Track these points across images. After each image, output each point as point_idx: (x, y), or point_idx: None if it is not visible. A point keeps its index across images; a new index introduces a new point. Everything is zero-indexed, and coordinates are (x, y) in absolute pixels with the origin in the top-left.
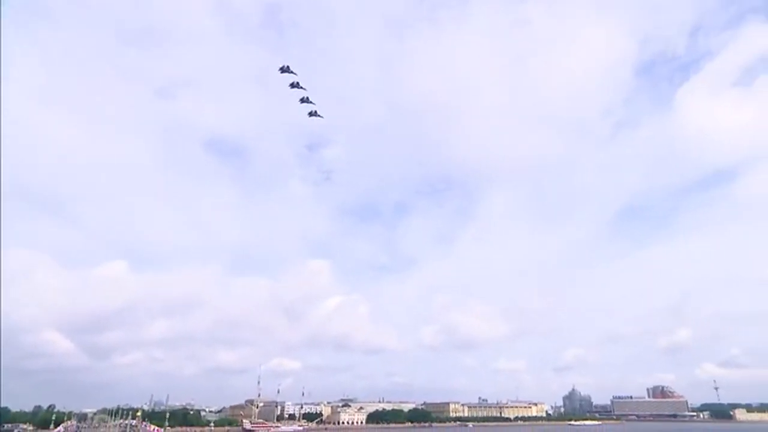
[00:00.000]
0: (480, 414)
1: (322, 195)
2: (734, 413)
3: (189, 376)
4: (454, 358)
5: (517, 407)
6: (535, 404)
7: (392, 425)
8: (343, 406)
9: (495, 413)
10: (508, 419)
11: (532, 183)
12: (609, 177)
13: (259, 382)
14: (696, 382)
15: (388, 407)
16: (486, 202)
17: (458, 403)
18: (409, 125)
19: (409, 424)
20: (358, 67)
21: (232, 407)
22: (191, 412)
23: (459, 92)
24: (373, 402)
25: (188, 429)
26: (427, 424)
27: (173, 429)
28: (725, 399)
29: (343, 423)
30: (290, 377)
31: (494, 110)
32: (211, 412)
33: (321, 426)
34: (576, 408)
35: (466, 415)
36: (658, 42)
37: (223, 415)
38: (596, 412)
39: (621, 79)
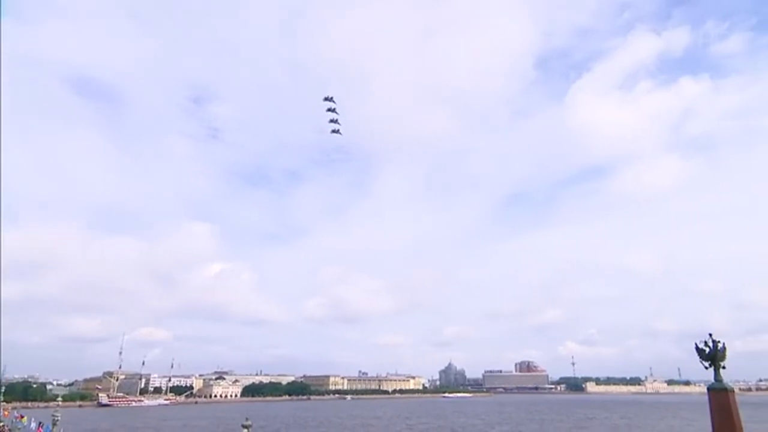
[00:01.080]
0: (359, 387)
1: (208, 154)
2: (586, 386)
3: (34, 346)
4: (338, 332)
5: (395, 380)
6: (413, 378)
7: (269, 398)
8: (216, 378)
9: (374, 386)
10: (386, 392)
11: (430, 163)
12: (501, 163)
13: (120, 353)
14: (558, 357)
15: (266, 380)
16: (382, 178)
17: (338, 376)
18: (310, 90)
19: (287, 397)
20: (258, 21)
21: (87, 380)
22: (34, 386)
23: (365, 61)
24: (250, 375)
25: (29, 404)
26: (305, 397)
27: (9, 404)
28: (580, 373)
29: (215, 396)
30: (159, 348)
31: (398, 85)
32: (60, 385)
33: (190, 400)
34: (451, 381)
35: (345, 387)
36: (559, 38)
37: (75, 388)
38: (469, 385)
39: (523, 70)
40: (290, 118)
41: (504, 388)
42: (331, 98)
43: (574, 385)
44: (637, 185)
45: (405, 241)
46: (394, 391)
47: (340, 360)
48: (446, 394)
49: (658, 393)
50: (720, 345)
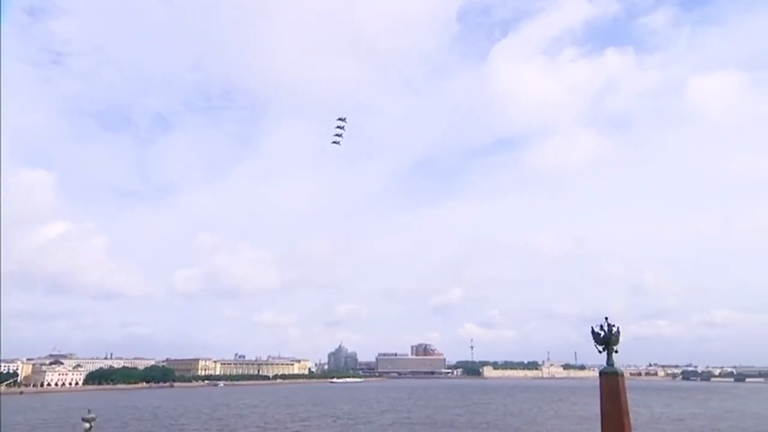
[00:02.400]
0: (235, 372)
1: (47, 83)
2: (483, 370)
3: None
4: (214, 308)
5: (278, 365)
6: (298, 361)
7: (121, 386)
8: (51, 363)
9: (253, 371)
10: (266, 377)
11: (332, 119)
12: (411, 126)
13: None
14: (457, 340)
15: (118, 365)
16: (274, 132)
17: (210, 359)
18: (190, 14)
19: (144, 384)
20: None
21: None
22: None
23: None
24: (97, 359)
25: None
26: (167, 384)
27: None
28: (478, 357)
29: (50, 384)
30: None
31: (304, 27)
32: None
33: (13, 389)
34: (341, 365)
35: (218, 372)
36: None
37: None
38: (361, 369)
39: (444, 22)
40: (161, 48)
41: (398, 373)
42: (344, 119)
43: (471, 369)
44: (552, 160)
45: (297, 207)
46: (276, 377)
47: (215, 341)
48: (334, 379)
49: (553, 378)
50: (614, 329)
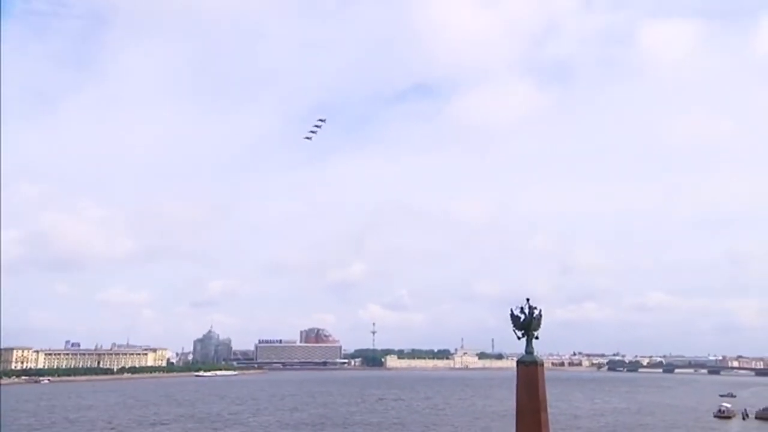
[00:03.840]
0: (66, 364)
1: None
2: (386, 360)
3: None
4: (39, 283)
5: (126, 355)
6: (154, 350)
7: None
8: None
9: (91, 362)
10: (109, 371)
11: (204, 44)
12: (315, 60)
13: None
14: (357, 325)
15: None
16: (125, 54)
17: (30, 349)
18: None
19: None
20: None
21: None
22: None
23: None
24: None
25: None
26: None
27: None
28: (381, 345)
29: None
30: None
31: None
32: None
33: None
34: (211, 355)
35: (41, 365)
36: None
37: None
38: (236, 359)
39: None
40: None
41: (283, 364)
42: (324, 120)
43: (373, 358)
44: (480, 114)
45: (157, 154)
46: (123, 370)
47: (39, 325)
48: (201, 373)
49: (467, 368)
50: (536, 312)
